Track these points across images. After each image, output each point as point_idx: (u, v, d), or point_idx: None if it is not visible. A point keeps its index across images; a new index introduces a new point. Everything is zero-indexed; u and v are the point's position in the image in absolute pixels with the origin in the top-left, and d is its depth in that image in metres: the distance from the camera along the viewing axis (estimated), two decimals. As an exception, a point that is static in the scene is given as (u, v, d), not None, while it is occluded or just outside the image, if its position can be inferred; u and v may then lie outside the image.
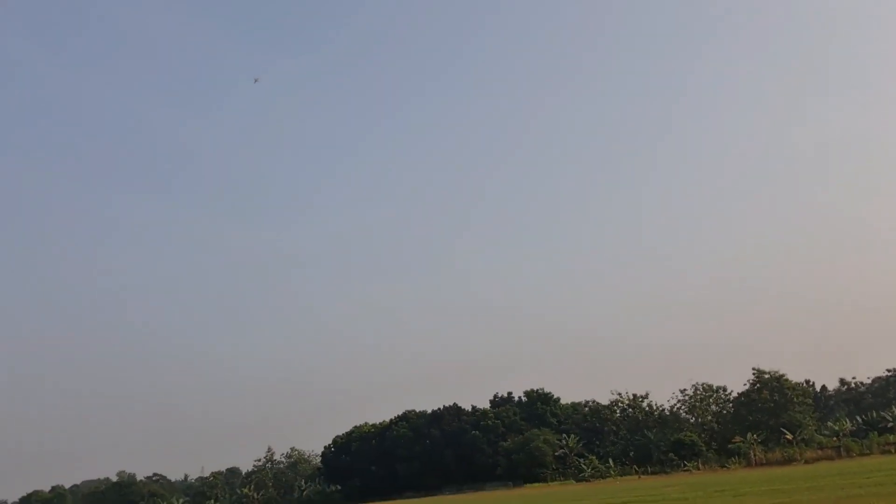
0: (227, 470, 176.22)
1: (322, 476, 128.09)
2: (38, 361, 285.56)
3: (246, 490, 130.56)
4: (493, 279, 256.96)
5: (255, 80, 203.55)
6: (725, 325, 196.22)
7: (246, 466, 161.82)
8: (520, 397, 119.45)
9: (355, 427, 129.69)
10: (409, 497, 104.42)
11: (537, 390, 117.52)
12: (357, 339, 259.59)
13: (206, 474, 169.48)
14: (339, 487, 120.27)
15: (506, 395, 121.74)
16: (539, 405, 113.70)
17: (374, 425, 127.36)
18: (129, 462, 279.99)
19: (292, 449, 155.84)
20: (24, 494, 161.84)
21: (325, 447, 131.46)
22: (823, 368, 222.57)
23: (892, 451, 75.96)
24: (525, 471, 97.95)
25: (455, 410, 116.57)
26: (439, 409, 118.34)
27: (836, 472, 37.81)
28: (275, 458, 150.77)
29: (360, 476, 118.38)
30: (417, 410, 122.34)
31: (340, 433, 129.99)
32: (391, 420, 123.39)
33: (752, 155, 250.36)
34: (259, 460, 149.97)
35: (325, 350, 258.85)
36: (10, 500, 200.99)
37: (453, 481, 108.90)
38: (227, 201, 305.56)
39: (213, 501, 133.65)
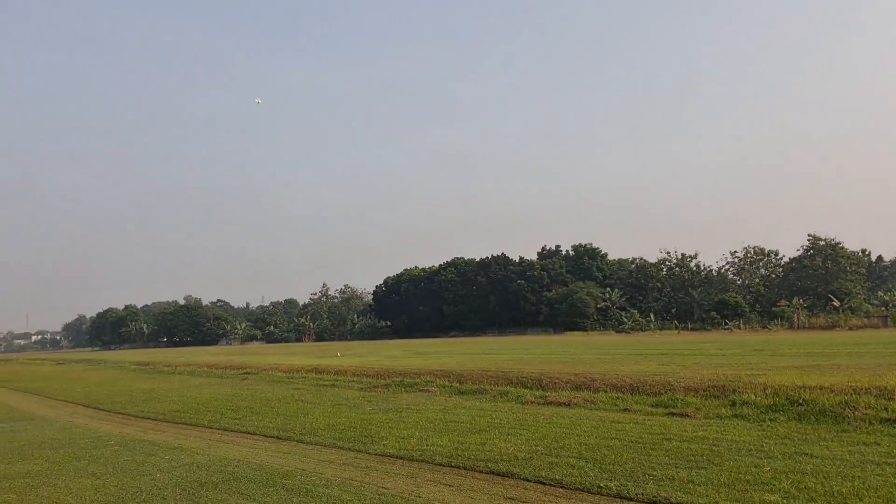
0: (286, 301, 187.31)
1: (373, 312, 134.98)
2: (112, 184, 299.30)
3: (302, 320, 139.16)
4: (548, 134, 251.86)
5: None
6: (785, 189, 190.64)
7: (303, 299, 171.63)
8: (567, 251, 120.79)
9: (405, 269, 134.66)
10: (453, 336, 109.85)
11: (585, 245, 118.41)
12: (410, 185, 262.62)
13: (266, 303, 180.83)
14: (388, 323, 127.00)
15: (553, 248, 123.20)
16: (586, 260, 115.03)
17: (423, 269, 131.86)
18: (195, 288, 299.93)
19: (346, 286, 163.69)
20: (101, 311, 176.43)
21: (376, 286, 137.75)
22: (883, 238, 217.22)
23: (941, 324, 75.38)
24: (566, 320, 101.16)
25: (502, 260, 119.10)
26: (487, 257, 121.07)
27: (879, 341, 38.01)
28: (329, 293, 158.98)
29: (409, 314, 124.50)
30: (466, 258, 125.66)
31: (391, 274, 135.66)
32: (440, 265, 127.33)
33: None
34: (315, 294, 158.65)
35: (380, 195, 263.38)
36: (87, 315, 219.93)
37: (496, 324, 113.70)
38: (289, 40, 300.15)
39: (272, 327, 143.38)
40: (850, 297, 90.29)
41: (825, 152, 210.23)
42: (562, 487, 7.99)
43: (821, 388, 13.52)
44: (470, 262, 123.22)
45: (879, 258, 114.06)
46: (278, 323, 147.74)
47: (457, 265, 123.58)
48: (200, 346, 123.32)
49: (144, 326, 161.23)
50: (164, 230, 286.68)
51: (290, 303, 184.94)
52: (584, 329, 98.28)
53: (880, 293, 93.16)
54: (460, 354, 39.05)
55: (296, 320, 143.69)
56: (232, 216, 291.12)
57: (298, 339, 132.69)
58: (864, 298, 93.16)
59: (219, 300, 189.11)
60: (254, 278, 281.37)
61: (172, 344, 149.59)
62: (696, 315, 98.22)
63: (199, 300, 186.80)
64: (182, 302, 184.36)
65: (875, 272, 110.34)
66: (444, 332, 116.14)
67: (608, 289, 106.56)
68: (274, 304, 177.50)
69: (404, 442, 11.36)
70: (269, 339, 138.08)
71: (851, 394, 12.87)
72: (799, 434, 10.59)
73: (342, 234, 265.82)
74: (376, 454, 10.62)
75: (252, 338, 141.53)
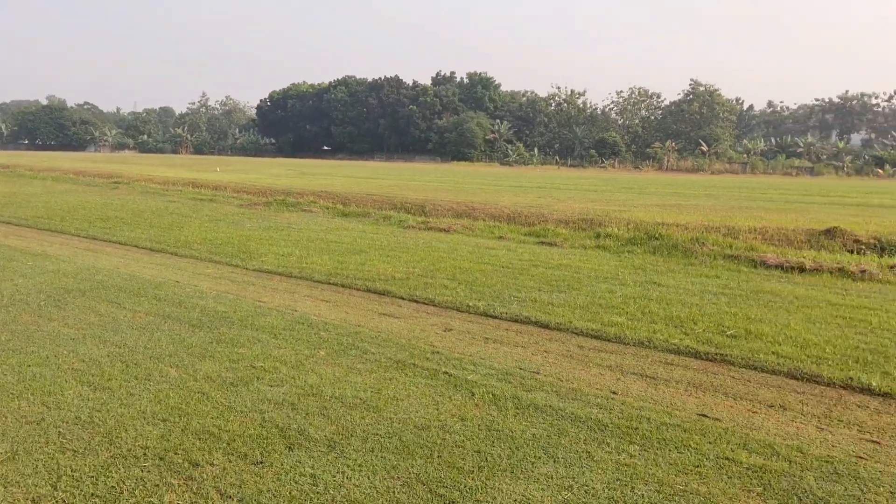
0: (160, 109, 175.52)
1: (256, 128, 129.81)
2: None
3: (179, 131, 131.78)
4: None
5: None
6: (674, 30, 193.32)
7: (180, 108, 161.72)
8: (462, 78, 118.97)
9: (293, 84, 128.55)
10: (340, 158, 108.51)
11: (480, 73, 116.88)
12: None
13: (139, 110, 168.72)
14: (272, 141, 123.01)
15: (448, 74, 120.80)
16: (479, 89, 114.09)
17: (311, 85, 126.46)
18: (59, 88, 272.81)
19: (227, 97, 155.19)
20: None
21: (260, 100, 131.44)
22: (756, 88, 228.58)
23: (793, 174, 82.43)
24: (454, 149, 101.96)
25: (395, 83, 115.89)
26: (380, 78, 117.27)
27: (736, 186, 41.26)
28: (209, 103, 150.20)
29: (295, 132, 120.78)
30: (357, 77, 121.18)
31: (277, 88, 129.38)
32: (330, 83, 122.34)
33: None
34: (193, 104, 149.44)
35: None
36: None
37: (385, 149, 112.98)
38: None
39: (145, 137, 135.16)
40: (717, 142, 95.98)
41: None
42: (433, 305, 8.45)
43: (676, 226, 14.68)
44: (361, 82, 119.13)
45: (751, 107, 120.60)
46: (152, 132, 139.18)
47: (348, 84, 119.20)
48: (66, 152, 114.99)
49: (2, 126, 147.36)
50: (22, 18, 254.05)
51: (166, 111, 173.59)
52: (471, 160, 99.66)
53: (745, 141, 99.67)
54: (346, 177, 38.87)
55: (172, 131, 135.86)
56: (102, 10, 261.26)
57: (174, 151, 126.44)
58: (730, 145, 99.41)
59: (86, 103, 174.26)
60: (125, 81, 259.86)
61: (34, 147, 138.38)
62: (577, 152, 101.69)
63: (64, 101, 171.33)
64: (44, 102, 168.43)
65: (744, 120, 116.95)
66: (331, 153, 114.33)
67: (497, 120, 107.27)
68: (147, 112, 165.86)
69: (283, 259, 11.46)
70: (143, 148, 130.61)
71: (702, 231, 14.08)
72: (651, 265, 11.59)
73: (226, 38, 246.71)
74: (254, 270, 10.69)
75: (123, 146, 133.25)
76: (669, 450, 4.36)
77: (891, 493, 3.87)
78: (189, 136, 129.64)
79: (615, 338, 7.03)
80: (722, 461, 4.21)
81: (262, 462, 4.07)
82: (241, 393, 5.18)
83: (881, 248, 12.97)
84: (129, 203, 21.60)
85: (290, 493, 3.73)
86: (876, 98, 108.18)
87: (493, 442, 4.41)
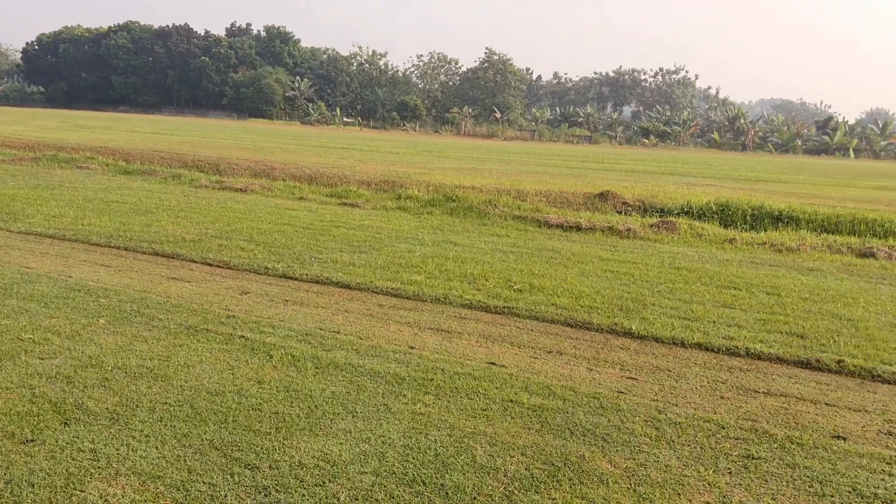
0: None
1: (21, 74, 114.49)
2: None
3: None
4: None
5: None
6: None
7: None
8: (259, 31, 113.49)
9: (66, 27, 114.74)
10: (123, 111, 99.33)
11: (278, 27, 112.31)
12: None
13: None
14: (41, 89, 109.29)
15: (244, 25, 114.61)
16: (278, 44, 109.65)
17: (88, 29, 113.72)
18: None
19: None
20: None
21: (27, 43, 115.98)
22: (545, 61, 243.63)
23: (575, 142, 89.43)
24: (252, 105, 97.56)
25: (185, 31, 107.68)
26: (168, 26, 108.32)
27: (525, 152, 43.99)
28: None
29: (68, 81, 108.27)
30: (142, 23, 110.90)
31: (47, 31, 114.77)
32: (110, 28, 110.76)
33: None
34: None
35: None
36: None
37: (174, 103, 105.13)
38: None
39: None
40: (510, 110, 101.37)
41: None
42: (229, 268, 8.15)
43: (472, 188, 15.39)
44: (147, 29, 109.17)
45: (539, 77, 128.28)
46: None
47: (130, 30, 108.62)
48: None
49: None
50: None
51: None
52: (270, 117, 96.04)
53: (534, 110, 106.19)
54: (129, 132, 35.78)
55: None
56: None
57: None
58: (521, 113, 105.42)
59: None
60: None
61: None
62: (379, 114, 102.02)
63: None
64: None
65: (533, 90, 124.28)
66: (113, 105, 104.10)
67: (298, 77, 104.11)
68: None
69: (55, 220, 10.35)
70: None
71: (495, 194, 14.90)
72: (448, 226, 12.08)
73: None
74: (19, 232, 9.55)
75: None
76: (461, 397, 4.65)
77: (645, 421, 4.44)
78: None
79: (414, 295, 7.27)
80: (507, 404, 4.57)
81: (32, 440, 3.72)
82: (5, 368, 4.66)
83: (644, 209, 14.61)
84: None
85: (66, 469, 3.46)
86: (644, 74, 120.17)
87: (292, 402, 4.40)
